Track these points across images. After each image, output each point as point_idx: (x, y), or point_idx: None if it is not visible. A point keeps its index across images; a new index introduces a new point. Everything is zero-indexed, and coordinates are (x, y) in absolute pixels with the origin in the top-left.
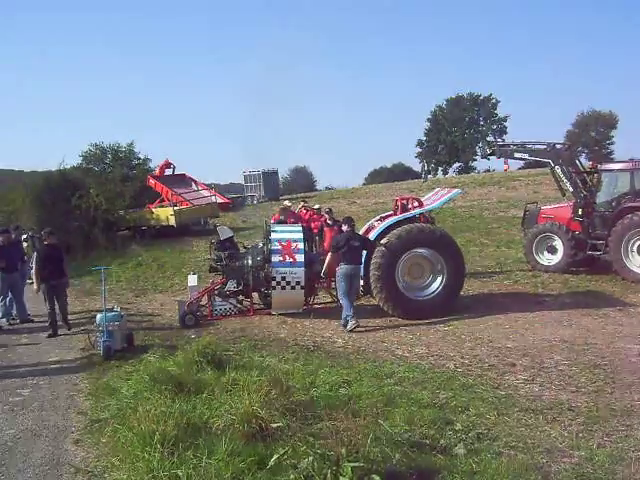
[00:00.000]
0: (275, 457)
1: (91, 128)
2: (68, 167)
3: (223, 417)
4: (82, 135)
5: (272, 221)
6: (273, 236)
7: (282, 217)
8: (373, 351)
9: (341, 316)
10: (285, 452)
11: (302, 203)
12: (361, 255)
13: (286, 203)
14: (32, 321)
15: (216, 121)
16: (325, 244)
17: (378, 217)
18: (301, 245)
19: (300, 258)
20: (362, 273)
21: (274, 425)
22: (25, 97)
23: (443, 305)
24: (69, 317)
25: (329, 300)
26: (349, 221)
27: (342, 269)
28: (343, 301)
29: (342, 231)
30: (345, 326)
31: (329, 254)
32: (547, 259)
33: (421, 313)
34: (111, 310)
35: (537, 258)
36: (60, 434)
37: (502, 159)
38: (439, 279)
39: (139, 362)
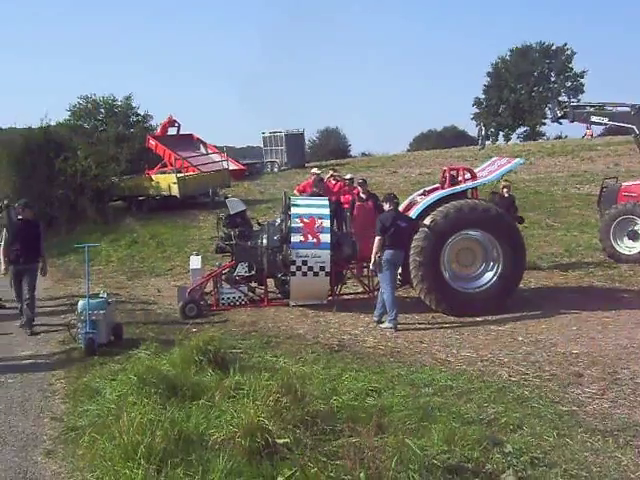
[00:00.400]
0: None
1: (82, 77)
2: (52, 124)
3: (223, 429)
4: (71, 85)
5: (296, 192)
6: (294, 211)
7: (317, 189)
8: (410, 353)
9: (374, 310)
10: (292, 474)
11: (331, 172)
12: (408, 238)
13: (315, 171)
14: (3, 307)
15: (231, 71)
16: (356, 222)
17: (421, 191)
18: (327, 223)
19: (325, 238)
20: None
21: (280, 441)
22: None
23: (497, 299)
24: (47, 303)
25: (360, 290)
26: (392, 198)
27: (387, 255)
28: (386, 295)
29: (376, 207)
30: (379, 322)
31: (376, 238)
32: (627, 247)
33: (470, 308)
34: (96, 296)
35: (615, 245)
36: (29, 443)
37: (579, 123)
38: (494, 268)
39: (127, 359)
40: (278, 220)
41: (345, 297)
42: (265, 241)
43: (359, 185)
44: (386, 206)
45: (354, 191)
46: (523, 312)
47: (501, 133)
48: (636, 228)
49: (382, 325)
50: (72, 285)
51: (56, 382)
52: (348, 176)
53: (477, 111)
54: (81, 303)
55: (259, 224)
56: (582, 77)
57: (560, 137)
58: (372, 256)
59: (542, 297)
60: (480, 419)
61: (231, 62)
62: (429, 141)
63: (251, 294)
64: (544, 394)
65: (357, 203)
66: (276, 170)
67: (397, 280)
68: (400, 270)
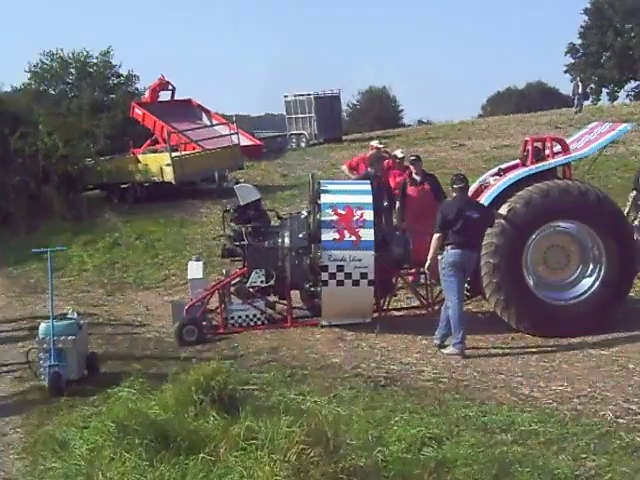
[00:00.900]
0: None
1: (45, 26)
2: (6, 89)
3: None
4: (31, 38)
5: (344, 168)
6: (325, 199)
7: (372, 169)
8: (482, 388)
9: (435, 331)
10: None
11: (374, 144)
12: (481, 234)
13: (375, 143)
14: None
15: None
16: (408, 211)
17: (496, 170)
18: (370, 214)
19: (368, 235)
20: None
21: None
22: None
23: (600, 314)
24: (1, 327)
25: (415, 304)
26: (462, 181)
27: (450, 256)
28: (452, 310)
29: (435, 192)
30: (441, 346)
31: (435, 235)
32: None
33: (563, 326)
34: (64, 317)
35: None
36: None
37: None
38: (594, 272)
39: (104, 400)
40: (304, 212)
41: (395, 313)
42: (287, 240)
43: (411, 163)
44: (454, 193)
45: (405, 172)
46: (634, 330)
47: (604, 90)
48: None
49: (445, 351)
50: (33, 302)
51: (11, 432)
52: (399, 153)
53: (572, 61)
54: (44, 326)
55: (279, 218)
56: None
57: None
58: (428, 258)
59: None
60: (576, 476)
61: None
62: (507, 103)
63: (270, 311)
64: None
65: (409, 187)
66: (303, 145)
67: (465, 290)
68: (469, 277)
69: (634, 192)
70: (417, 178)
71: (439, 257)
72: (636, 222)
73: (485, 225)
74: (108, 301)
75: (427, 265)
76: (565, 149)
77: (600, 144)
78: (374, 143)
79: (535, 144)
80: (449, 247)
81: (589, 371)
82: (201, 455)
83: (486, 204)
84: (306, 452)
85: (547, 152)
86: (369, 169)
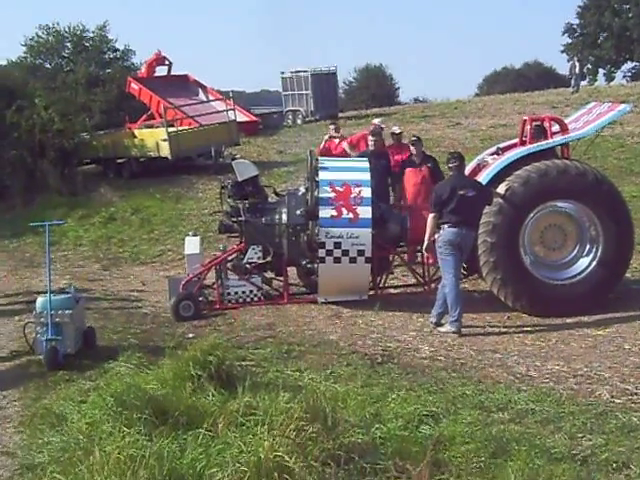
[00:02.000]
0: None
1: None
2: (2, 62)
3: (228, 467)
4: (26, 12)
5: (345, 146)
6: (323, 176)
7: (372, 144)
8: (478, 367)
9: (432, 308)
10: None
11: (376, 122)
12: (478, 212)
13: (377, 121)
14: None
15: None
16: (406, 192)
17: (494, 149)
18: (368, 192)
19: (365, 213)
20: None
21: None
22: None
23: (596, 294)
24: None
25: (412, 282)
26: (456, 159)
27: (446, 234)
28: (448, 288)
29: (433, 174)
30: (437, 325)
31: (430, 216)
32: None
33: (559, 306)
34: (61, 291)
35: None
36: None
37: None
38: (591, 252)
39: (101, 375)
40: (302, 189)
41: (392, 291)
42: (285, 217)
43: (412, 144)
44: (451, 168)
45: (404, 152)
46: (630, 311)
47: (601, 70)
48: None
49: (442, 329)
50: (30, 277)
51: (8, 405)
52: (396, 129)
53: (569, 41)
54: (41, 301)
55: (277, 194)
56: None
57: None
58: (425, 238)
59: None
60: (572, 455)
61: None
62: (504, 82)
63: (266, 287)
64: None
65: (408, 168)
66: (299, 122)
67: (462, 269)
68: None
69: None
70: (416, 159)
71: (436, 236)
72: None
73: (483, 203)
74: (104, 276)
75: (425, 246)
76: (564, 129)
77: (599, 124)
78: (376, 121)
79: (534, 123)
80: (445, 226)
81: (585, 351)
82: (200, 430)
83: (484, 183)
84: (304, 428)
85: (546, 131)
86: (370, 146)
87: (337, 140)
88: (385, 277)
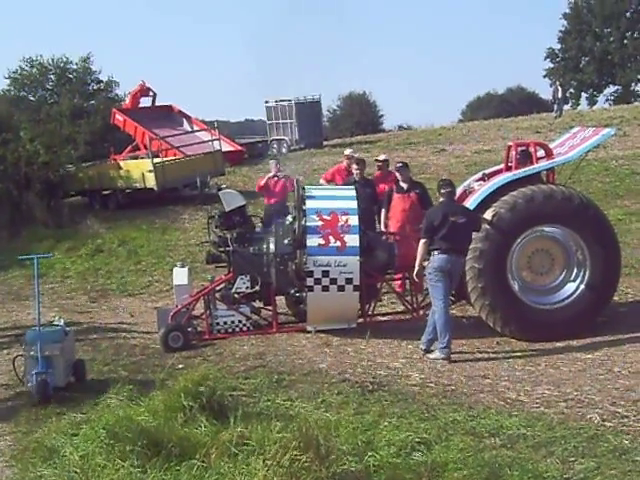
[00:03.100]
0: None
1: (25, 34)
2: None
3: None
4: (10, 45)
5: (322, 182)
6: (310, 205)
7: (356, 173)
8: (469, 393)
9: (422, 336)
10: None
11: (347, 151)
12: (468, 239)
13: (348, 152)
14: None
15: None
16: (394, 219)
17: (480, 175)
18: (355, 220)
19: (353, 241)
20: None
21: None
22: None
23: (584, 318)
24: None
25: (400, 309)
26: (448, 185)
27: (436, 261)
28: (437, 315)
29: (421, 200)
30: (427, 351)
31: (421, 242)
32: None
33: (548, 331)
34: (50, 324)
35: None
36: None
37: None
38: (578, 276)
39: (92, 407)
40: (289, 218)
41: (381, 319)
42: (272, 246)
43: (398, 171)
44: (441, 195)
45: (390, 178)
46: (619, 334)
47: (584, 95)
48: None
49: (431, 355)
50: (17, 310)
51: None
52: (381, 157)
53: (551, 66)
54: (30, 334)
55: (264, 224)
56: None
57: None
58: (416, 264)
59: None
60: (565, 478)
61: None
62: (488, 108)
63: (255, 317)
64: None
65: (395, 195)
66: (284, 151)
67: (450, 295)
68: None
69: None
70: (404, 185)
71: (425, 263)
72: None
73: (472, 230)
74: (92, 308)
75: (415, 271)
76: (549, 154)
77: (584, 148)
78: (348, 152)
79: (519, 149)
80: (436, 252)
81: (575, 375)
82: (193, 461)
83: (471, 209)
84: (298, 458)
85: (531, 157)
86: (354, 173)
87: (275, 179)
88: (374, 305)
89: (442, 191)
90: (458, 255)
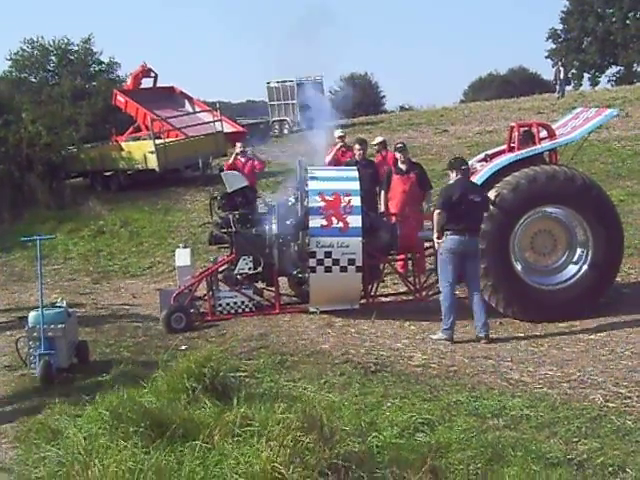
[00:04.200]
0: None
1: (25, 14)
2: None
3: (225, 478)
4: (11, 26)
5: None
6: (312, 186)
7: (358, 154)
8: (472, 373)
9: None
10: None
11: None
12: (481, 219)
13: (338, 133)
14: None
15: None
16: (394, 200)
17: (482, 155)
18: (357, 201)
19: (355, 222)
20: None
21: None
22: None
23: (587, 298)
24: None
25: (403, 290)
26: (460, 164)
27: (448, 242)
28: (443, 295)
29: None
30: (430, 333)
31: (436, 212)
32: None
33: (551, 311)
34: (53, 305)
35: None
36: None
37: None
38: (581, 256)
39: (96, 389)
40: (292, 199)
41: (383, 300)
42: (275, 227)
43: (397, 151)
44: (452, 175)
45: (389, 159)
46: (622, 315)
47: (586, 75)
48: None
49: (434, 336)
50: (20, 291)
51: (2, 421)
52: (378, 139)
53: (553, 47)
54: (33, 315)
55: (267, 205)
56: None
57: None
58: (434, 237)
59: None
60: (568, 459)
61: None
62: (490, 89)
63: (258, 298)
64: None
65: (394, 176)
66: (286, 132)
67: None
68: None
69: None
70: (403, 167)
71: (437, 242)
72: None
73: (485, 210)
74: (94, 289)
75: (437, 245)
76: (551, 134)
77: (587, 129)
78: (338, 133)
79: (521, 129)
80: (449, 233)
81: (578, 355)
82: (196, 442)
83: None
84: (301, 439)
85: (534, 138)
86: (356, 154)
87: (243, 159)
88: (376, 286)
89: (460, 168)
90: (472, 235)
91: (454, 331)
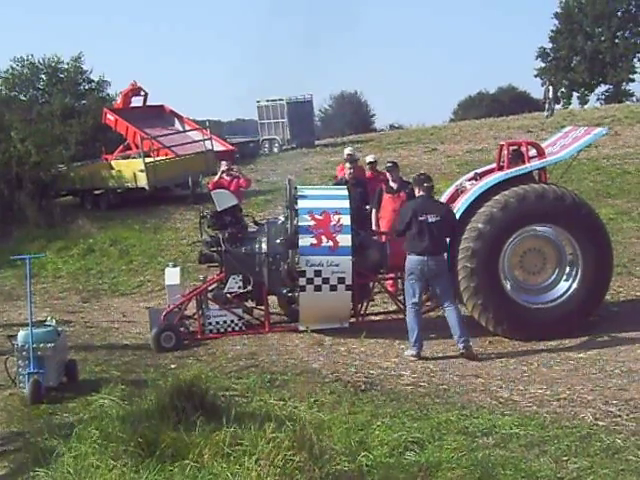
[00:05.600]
0: None
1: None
2: None
3: None
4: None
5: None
6: (302, 205)
7: (348, 172)
8: (461, 392)
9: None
10: None
11: (347, 150)
12: (441, 239)
13: (348, 151)
14: None
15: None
16: (384, 219)
17: (471, 174)
18: (347, 219)
19: (345, 241)
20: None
21: None
22: None
23: (577, 317)
24: None
25: (393, 308)
26: (423, 181)
27: (408, 262)
28: (407, 314)
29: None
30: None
31: (394, 235)
32: None
33: (540, 330)
34: (42, 324)
35: None
36: None
37: None
38: (571, 275)
39: (85, 408)
40: (281, 218)
41: (373, 319)
42: (264, 246)
43: (388, 171)
44: (417, 191)
45: (380, 178)
46: (612, 333)
47: (575, 94)
48: None
49: (406, 352)
50: (9, 310)
51: None
52: (370, 158)
53: (542, 66)
54: (22, 334)
55: (256, 223)
56: None
57: None
58: None
59: (637, 312)
60: (558, 478)
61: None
62: (479, 107)
63: (247, 317)
64: None
65: (385, 195)
66: (276, 150)
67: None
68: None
69: None
70: (393, 185)
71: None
72: None
73: (447, 229)
74: (84, 308)
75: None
76: (541, 153)
77: (576, 148)
78: (347, 150)
79: (511, 148)
80: (408, 254)
81: (567, 374)
82: (186, 462)
83: (462, 208)
84: (291, 458)
85: (523, 156)
86: (346, 172)
87: (228, 178)
88: (366, 304)
89: (423, 185)
90: (433, 255)
91: (421, 348)
